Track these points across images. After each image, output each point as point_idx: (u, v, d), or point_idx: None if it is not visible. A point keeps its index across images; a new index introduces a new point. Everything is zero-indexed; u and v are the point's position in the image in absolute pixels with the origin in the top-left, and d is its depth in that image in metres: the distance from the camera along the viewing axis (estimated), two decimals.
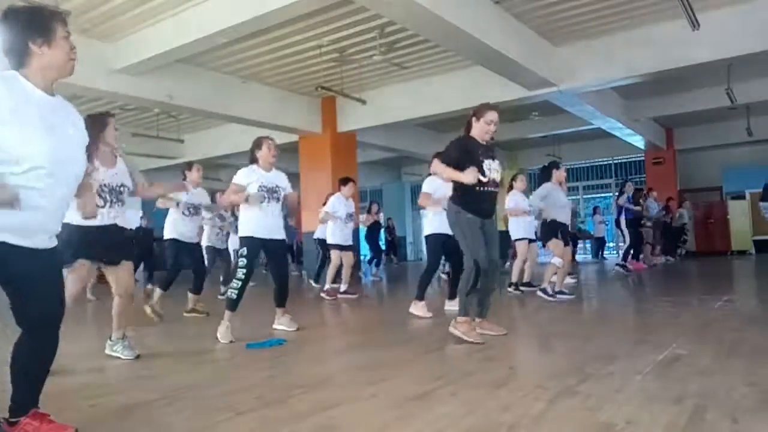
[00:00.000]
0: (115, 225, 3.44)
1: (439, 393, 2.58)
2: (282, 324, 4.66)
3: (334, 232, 7.30)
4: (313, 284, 8.76)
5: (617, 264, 9.74)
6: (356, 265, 8.11)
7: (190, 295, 5.92)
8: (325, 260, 7.78)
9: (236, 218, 4.63)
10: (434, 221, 5.20)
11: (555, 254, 6.06)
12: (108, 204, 3.40)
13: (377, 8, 6.30)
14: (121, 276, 3.53)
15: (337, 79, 9.58)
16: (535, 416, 2.19)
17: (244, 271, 4.24)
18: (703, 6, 7.21)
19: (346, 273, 7.36)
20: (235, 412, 2.42)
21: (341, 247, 7.32)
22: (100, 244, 3.34)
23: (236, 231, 4.86)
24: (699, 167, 15.96)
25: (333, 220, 7.22)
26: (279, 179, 4.52)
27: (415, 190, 21.30)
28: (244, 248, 4.28)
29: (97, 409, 2.56)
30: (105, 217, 3.34)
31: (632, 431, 2.00)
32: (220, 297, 7.01)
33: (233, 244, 7.91)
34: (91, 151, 3.15)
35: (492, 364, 3.18)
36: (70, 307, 3.14)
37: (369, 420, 2.24)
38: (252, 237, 4.29)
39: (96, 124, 3.38)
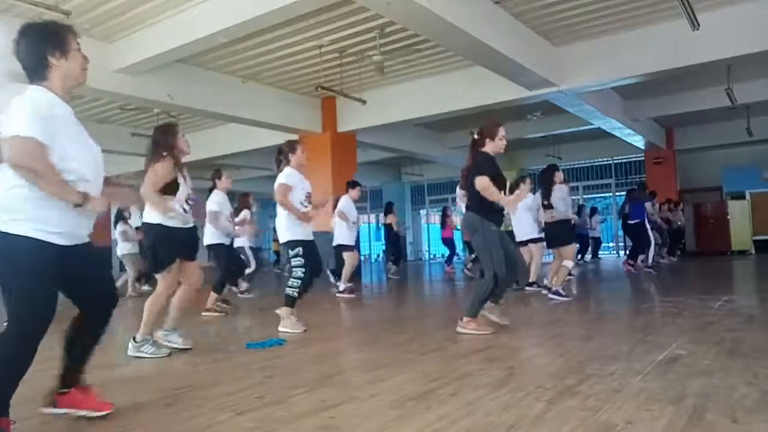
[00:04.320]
0: (195, 227, 3.85)
1: (438, 393, 2.58)
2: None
3: (346, 234, 7.64)
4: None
5: (646, 267, 9.51)
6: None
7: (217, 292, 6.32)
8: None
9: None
10: None
11: (568, 258, 6.15)
12: (188, 211, 3.75)
13: (377, 8, 6.29)
14: (194, 269, 3.84)
15: (337, 79, 9.58)
16: (535, 416, 2.19)
17: (303, 270, 4.55)
18: (703, 6, 7.21)
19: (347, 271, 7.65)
20: (235, 412, 2.42)
21: (350, 248, 7.65)
22: (187, 244, 3.77)
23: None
24: (699, 167, 15.94)
25: (346, 220, 7.51)
26: (307, 182, 4.79)
27: (415, 191, 21.30)
28: (299, 248, 4.56)
29: None
30: (189, 220, 3.77)
31: (632, 431, 2.00)
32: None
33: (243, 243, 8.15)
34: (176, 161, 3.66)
35: (492, 364, 3.17)
36: (165, 299, 3.72)
37: (369, 420, 2.24)
38: (303, 240, 4.59)
39: (169, 133, 3.72)
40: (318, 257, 4.85)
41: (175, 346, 3.83)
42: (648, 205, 9.79)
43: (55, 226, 2.10)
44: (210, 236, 5.98)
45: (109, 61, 7.86)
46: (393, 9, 6.07)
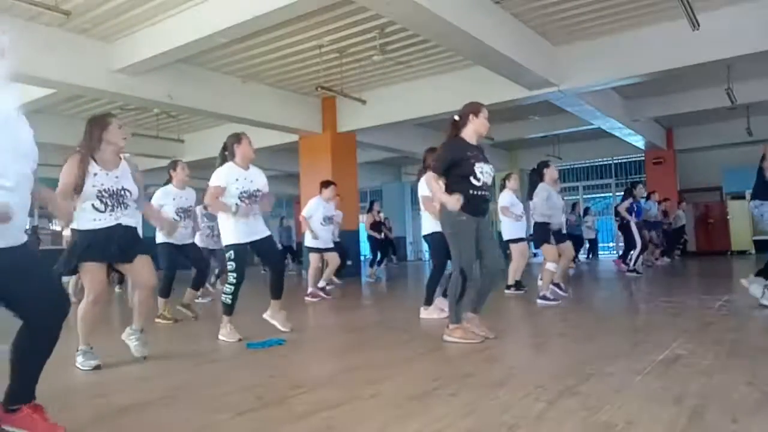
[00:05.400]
0: (120, 225, 3.38)
1: (438, 393, 2.58)
2: (276, 321, 4.61)
3: (313, 236, 7.30)
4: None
5: (628, 270, 9.45)
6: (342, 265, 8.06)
7: (188, 290, 5.90)
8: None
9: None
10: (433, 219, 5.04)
11: (548, 259, 5.86)
12: (110, 209, 3.35)
13: (377, 8, 6.30)
14: (139, 270, 3.50)
15: (337, 79, 9.58)
16: (535, 416, 2.19)
17: (235, 275, 4.26)
18: (703, 6, 7.22)
19: (329, 272, 7.51)
20: (235, 412, 2.42)
21: (320, 250, 7.36)
22: (107, 246, 3.33)
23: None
24: (699, 167, 15.95)
25: (306, 226, 7.23)
26: (258, 179, 4.40)
27: (415, 190, 21.28)
28: (231, 253, 4.25)
29: (97, 409, 2.55)
30: (107, 219, 3.34)
31: (632, 431, 2.00)
32: (209, 286, 7.12)
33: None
34: (92, 153, 3.30)
35: (492, 364, 3.18)
36: (91, 308, 3.37)
37: (369, 420, 2.24)
38: (238, 243, 4.26)
39: (96, 125, 3.41)
40: (275, 254, 4.67)
41: (131, 348, 3.67)
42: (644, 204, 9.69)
43: None
44: (158, 235, 5.59)
45: (109, 61, 7.87)
46: (393, 9, 6.08)
